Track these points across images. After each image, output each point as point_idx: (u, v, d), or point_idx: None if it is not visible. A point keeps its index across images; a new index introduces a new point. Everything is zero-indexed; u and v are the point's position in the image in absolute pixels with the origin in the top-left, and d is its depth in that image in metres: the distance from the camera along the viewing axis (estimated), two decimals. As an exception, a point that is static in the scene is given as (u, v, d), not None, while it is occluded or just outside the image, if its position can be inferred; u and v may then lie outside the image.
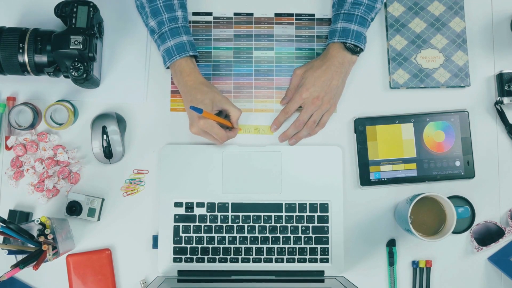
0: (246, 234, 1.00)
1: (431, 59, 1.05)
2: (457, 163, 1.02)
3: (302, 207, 1.00)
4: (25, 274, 1.00)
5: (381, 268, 1.01)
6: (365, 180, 1.02)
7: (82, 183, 1.02)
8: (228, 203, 1.00)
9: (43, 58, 0.96)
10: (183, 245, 0.99)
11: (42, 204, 1.01)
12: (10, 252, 0.89)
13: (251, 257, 0.99)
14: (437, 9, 1.06)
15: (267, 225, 1.00)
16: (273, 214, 1.00)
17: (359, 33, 0.99)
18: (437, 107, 1.05)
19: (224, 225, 1.00)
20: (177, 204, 1.00)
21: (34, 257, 0.88)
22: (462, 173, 1.02)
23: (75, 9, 0.95)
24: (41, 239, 0.87)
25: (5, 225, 0.86)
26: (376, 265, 1.01)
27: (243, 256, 0.99)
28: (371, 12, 1.00)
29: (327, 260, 1.00)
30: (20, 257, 0.90)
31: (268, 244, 1.00)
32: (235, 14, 1.07)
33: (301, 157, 1.02)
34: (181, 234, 0.99)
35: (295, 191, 1.01)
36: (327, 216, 1.00)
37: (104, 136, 1.00)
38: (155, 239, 1.00)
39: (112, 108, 1.04)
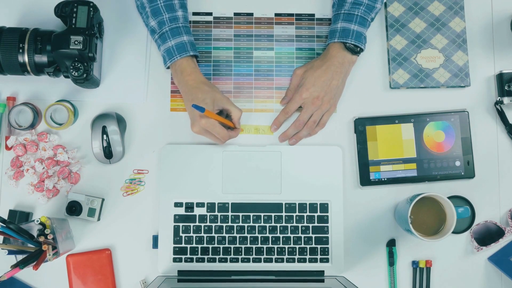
0: (246, 234, 1.00)
1: (431, 59, 1.05)
2: (457, 163, 1.02)
3: (302, 207, 1.00)
4: (25, 274, 1.00)
5: (381, 268, 1.01)
6: (365, 180, 1.02)
7: (82, 183, 1.02)
8: (228, 203, 1.00)
9: (43, 58, 0.96)
10: (183, 245, 0.99)
11: (42, 204, 1.01)
12: (10, 252, 0.89)
13: (251, 257, 0.99)
14: (437, 9, 1.06)
15: (267, 225, 1.00)
16: (273, 214, 1.00)
17: (359, 33, 0.99)
18: (437, 107, 1.05)
19: (224, 225, 1.00)
20: (177, 204, 1.00)
21: (34, 257, 0.88)
22: (462, 173, 1.02)
23: (75, 9, 0.95)
24: (41, 239, 0.87)
25: (5, 225, 0.86)
26: (376, 265, 1.01)
27: (243, 256, 0.99)
28: (371, 12, 1.00)
29: (327, 260, 1.00)
30: (20, 257, 0.89)
31: (268, 244, 1.00)
32: (235, 14, 1.07)
33: (301, 157, 1.02)
34: (181, 234, 0.99)
35: (295, 191, 1.01)
36: (327, 216, 1.00)
37: (104, 136, 1.00)
38: (155, 239, 1.00)
39: (112, 108, 1.04)
